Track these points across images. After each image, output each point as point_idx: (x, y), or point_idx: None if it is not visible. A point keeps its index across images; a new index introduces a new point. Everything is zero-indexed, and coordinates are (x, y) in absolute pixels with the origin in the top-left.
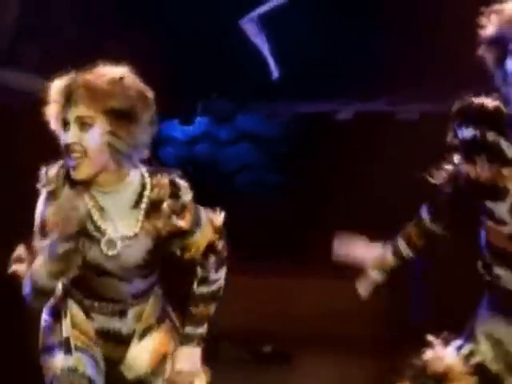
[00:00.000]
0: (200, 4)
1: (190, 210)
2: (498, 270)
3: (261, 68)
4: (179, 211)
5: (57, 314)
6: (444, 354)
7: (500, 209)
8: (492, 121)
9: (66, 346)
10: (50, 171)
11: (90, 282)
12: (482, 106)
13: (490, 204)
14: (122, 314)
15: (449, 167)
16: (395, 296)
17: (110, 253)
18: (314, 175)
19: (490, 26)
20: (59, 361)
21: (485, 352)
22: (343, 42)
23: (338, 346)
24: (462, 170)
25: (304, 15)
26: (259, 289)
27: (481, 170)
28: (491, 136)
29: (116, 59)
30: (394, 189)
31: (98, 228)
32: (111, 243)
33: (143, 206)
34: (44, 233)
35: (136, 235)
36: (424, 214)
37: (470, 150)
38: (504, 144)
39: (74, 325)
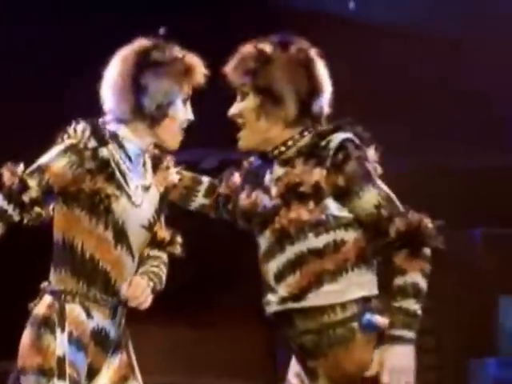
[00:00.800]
0: None
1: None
2: (263, 297)
3: None
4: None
5: (48, 328)
6: None
7: (256, 233)
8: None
9: (60, 369)
10: (78, 127)
11: (103, 263)
12: None
13: (253, 229)
14: (115, 312)
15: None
16: None
17: (138, 201)
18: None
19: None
20: None
21: None
22: None
23: None
24: (239, 196)
25: None
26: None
27: (245, 196)
28: (266, 165)
29: None
30: None
31: (124, 177)
32: (136, 190)
33: (148, 161)
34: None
35: (150, 186)
36: None
37: (248, 177)
38: (267, 171)
39: (71, 322)
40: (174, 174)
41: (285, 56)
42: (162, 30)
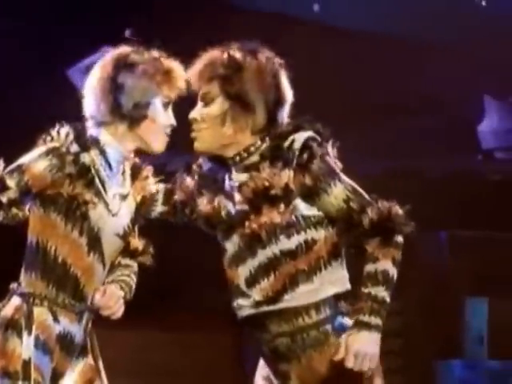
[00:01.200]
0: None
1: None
2: (233, 302)
3: None
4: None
5: (14, 330)
6: None
7: (221, 238)
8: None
9: (25, 372)
10: (62, 130)
11: (74, 269)
12: None
13: (217, 234)
14: (81, 317)
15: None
16: None
17: (115, 209)
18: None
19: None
20: None
21: None
22: None
23: None
24: (197, 201)
25: None
26: None
27: (205, 203)
28: (222, 171)
29: None
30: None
31: (103, 184)
32: (114, 199)
33: (127, 169)
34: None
35: (128, 195)
36: None
37: (203, 183)
38: (226, 177)
39: (38, 326)
40: (152, 185)
41: (255, 64)
42: (127, 32)
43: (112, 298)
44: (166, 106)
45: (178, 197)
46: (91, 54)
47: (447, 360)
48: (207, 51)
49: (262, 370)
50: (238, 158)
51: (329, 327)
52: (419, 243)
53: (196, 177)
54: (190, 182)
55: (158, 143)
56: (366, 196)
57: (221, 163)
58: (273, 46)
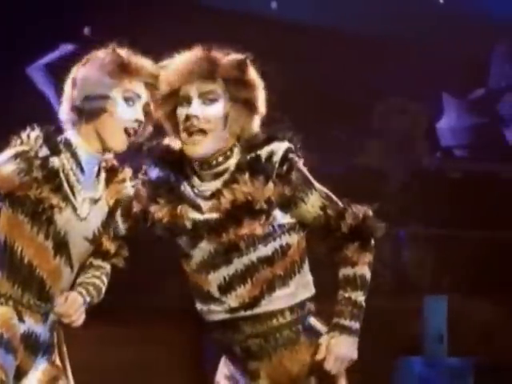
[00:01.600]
0: None
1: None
2: (200, 306)
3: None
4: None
5: None
6: None
7: (183, 244)
8: (176, 161)
9: None
10: (32, 133)
11: (40, 270)
12: (167, 147)
13: (178, 241)
14: (47, 317)
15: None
16: None
17: (84, 213)
18: None
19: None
20: None
21: None
22: None
23: None
24: (151, 210)
25: None
26: None
27: (162, 211)
28: (174, 177)
29: None
30: None
31: (72, 189)
32: (84, 203)
33: (102, 172)
34: None
35: (100, 199)
36: None
37: (155, 190)
38: (183, 184)
39: (2, 325)
40: (129, 188)
41: (254, 68)
42: (86, 30)
43: (72, 307)
44: (129, 99)
45: (136, 208)
46: (50, 52)
47: (407, 357)
48: (177, 48)
49: (225, 368)
50: (214, 163)
51: (300, 327)
52: (379, 241)
53: (145, 184)
54: (142, 191)
55: (116, 140)
56: (339, 201)
57: (171, 169)
58: (233, 43)
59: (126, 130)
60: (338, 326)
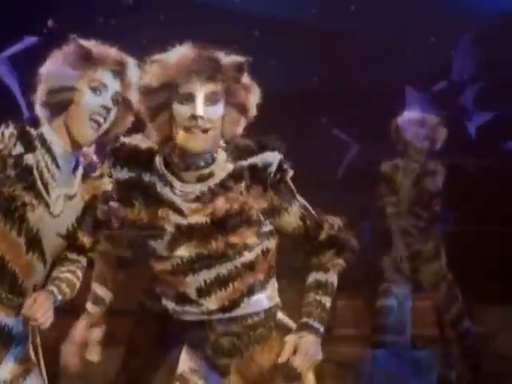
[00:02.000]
0: None
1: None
2: (172, 305)
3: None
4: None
5: None
6: None
7: (160, 247)
8: (145, 161)
9: None
10: (6, 131)
11: (12, 265)
12: (135, 147)
13: (151, 243)
14: (19, 310)
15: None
16: None
17: (57, 210)
18: None
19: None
20: None
21: None
22: None
23: None
24: (120, 212)
25: None
26: None
27: (138, 213)
28: (146, 177)
29: None
30: None
31: (46, 186)
32: (58, 200)
33: (80, 167)
34: None
35: (75, 195)
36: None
37: (127, 191)
38: (159, 184)
39: None
40: (107, 183)
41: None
42: (50, 22)
43: (39, 310)
44: (96, 89)
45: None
46: (13, 45)
47: (371, 349)
48: (156, 46)
49: (190, 362)
50: (202, 164)
51: (272, 323)
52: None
53: (114, 186)
54: (112, 193)
55: (82, 130)
56: (312, 210)
57: (142, 170)
58: (203, 37)
59: (93, 119)
60: (307, 325)
